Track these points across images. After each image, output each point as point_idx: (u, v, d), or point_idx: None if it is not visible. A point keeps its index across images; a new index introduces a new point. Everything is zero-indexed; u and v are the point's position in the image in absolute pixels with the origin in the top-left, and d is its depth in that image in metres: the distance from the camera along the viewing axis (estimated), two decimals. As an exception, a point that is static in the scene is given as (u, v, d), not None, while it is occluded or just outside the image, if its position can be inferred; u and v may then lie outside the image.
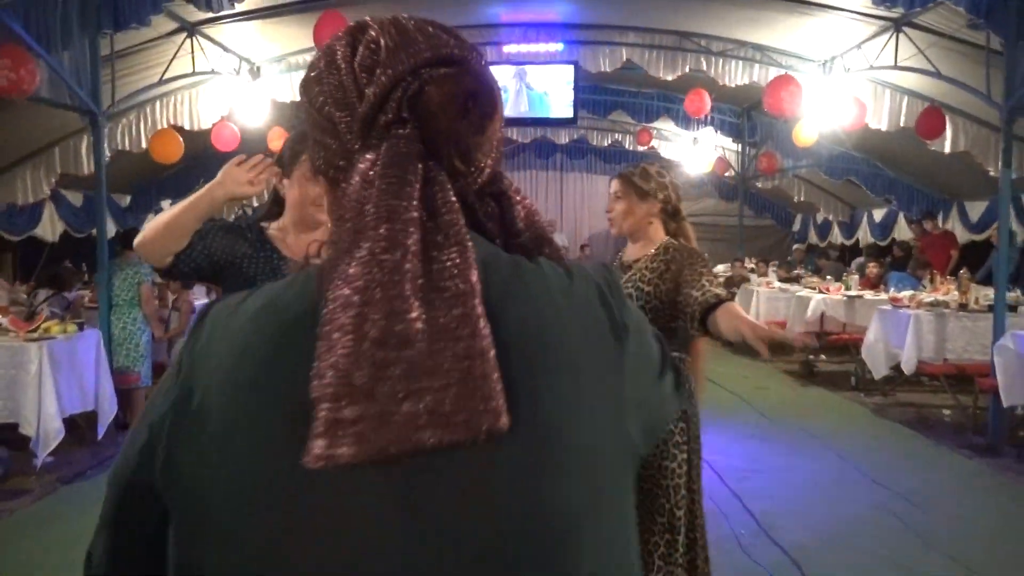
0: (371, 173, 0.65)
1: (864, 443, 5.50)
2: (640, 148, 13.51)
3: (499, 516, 0.64)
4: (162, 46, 6.80)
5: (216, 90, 7.85)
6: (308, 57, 8.42)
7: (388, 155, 0.66)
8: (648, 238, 2.56)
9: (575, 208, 17.20)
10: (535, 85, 8.56)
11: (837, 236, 13.63)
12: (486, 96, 0.71)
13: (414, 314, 0.60)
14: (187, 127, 8.19)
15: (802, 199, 13.42)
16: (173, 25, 6.59)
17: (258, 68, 8.32)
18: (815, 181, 12.73)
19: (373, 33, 0.70)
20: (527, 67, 8.53)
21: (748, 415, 6.33)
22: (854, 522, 4.02)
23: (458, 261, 0.64)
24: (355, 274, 0.61)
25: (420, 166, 0.66)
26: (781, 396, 7.13)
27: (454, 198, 0.67)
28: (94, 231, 10.55)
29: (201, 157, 10.17)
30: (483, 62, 0.74)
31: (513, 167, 16.31)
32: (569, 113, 8.68)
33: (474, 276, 0.64)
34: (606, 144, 14.95)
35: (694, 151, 13.16)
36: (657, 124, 12.15)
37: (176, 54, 6.66)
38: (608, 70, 8.34)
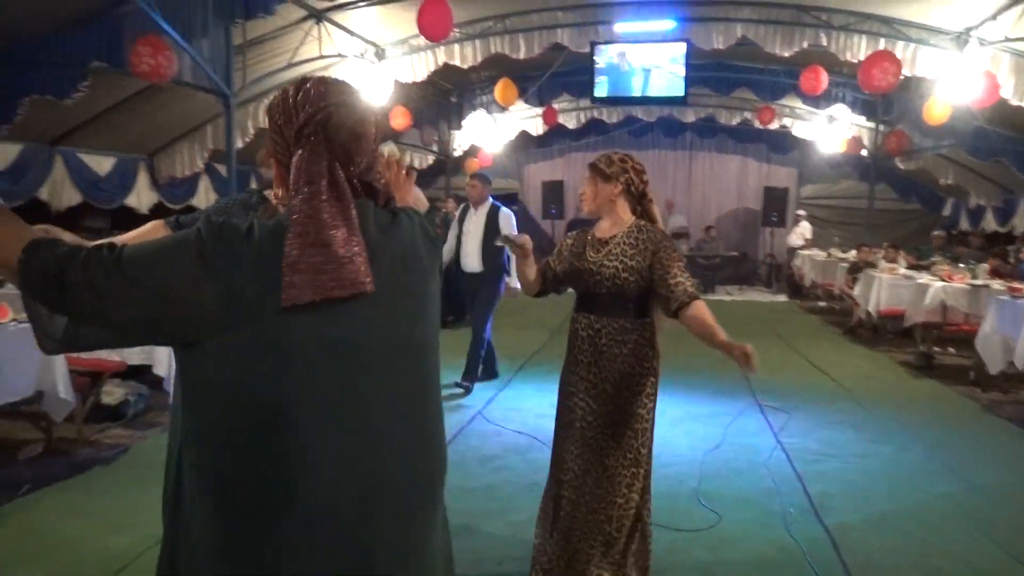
0: (300, 162, 1.31)
1: (959, 437, 5.25)
2: (770, 127, 13.09)
3: (376, 330, 1.33)
4: (292, 33, 7.42)
5: (344, 72, 8.46)
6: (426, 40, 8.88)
7: (308, 152, 1.31)
8: (616, 216, 2.91)
9: (703, 187, 16.87)
10: (646, 63, 8.56)
11: (991, 223, 12.60)
12: (360, 123, 1.37)
13: (331, 231, 1.26)
14: (319, 107, 8.88)
15: (950, 182, 12.50)
16: (302, 13, 7.18)
17: (383, 51, 8.85)
18: (963, 162, 11.83)
19: (308, 86, 1.36)
20: (638, 46, 8.54)
21: (844, 403, 6.16)
22: (913, 508, 3.93)
23: (343, 204, 1.30)
24: (297, 208, 1.27)
25: (326, 159, 1.32)
26: (886, 387, 6.85)
27: (343, 175, 1.32)
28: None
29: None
30: (361, 102, 1.39)
31: (641, 146, 16.25)
32: (680, 92, 8.62)
33: (352, 213, 1.30)
34: (735, 123, 14.58)
35: (828, 130, 12.57)
36: (785, 102, 11.72)
37: (304, 40, 7.24)
38: (722, 47, 8.20)
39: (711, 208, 16.78)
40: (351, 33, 8.17)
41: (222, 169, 10.89)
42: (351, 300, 1.27)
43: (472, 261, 6.34)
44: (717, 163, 16.70)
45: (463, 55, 8.81)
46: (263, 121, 8.78)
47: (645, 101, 10.13)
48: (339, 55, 8.02)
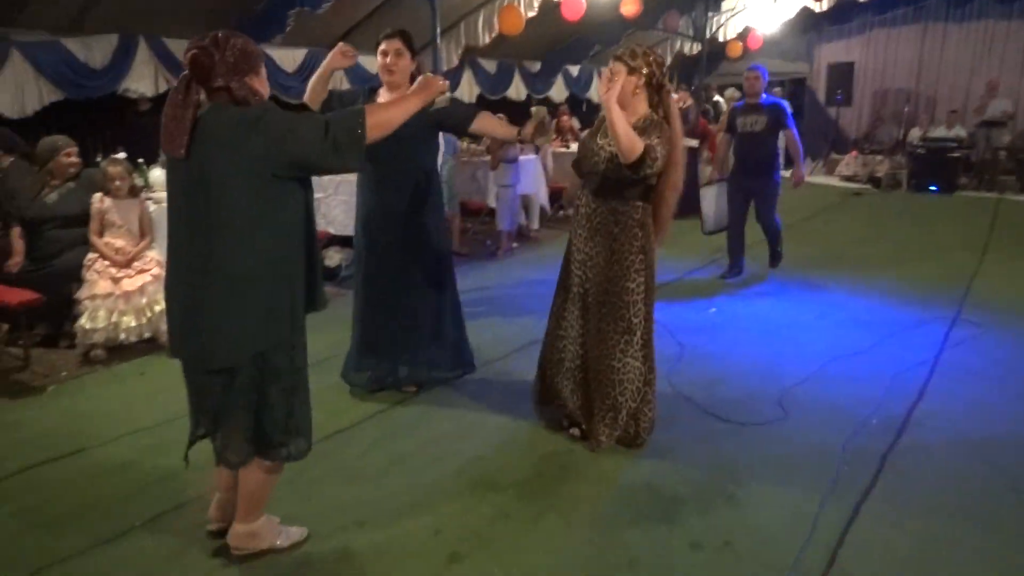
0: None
1: None
2: None
3: (194, 185, 2.16)
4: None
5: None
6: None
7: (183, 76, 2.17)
8: (633, 107, 3.06)
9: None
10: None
11: None
12: (206, 59, 2.12)
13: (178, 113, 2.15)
14: (554, -1, 9.19)
15: None
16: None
17: (616, -64, 8.75)
18: None
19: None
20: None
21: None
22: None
23: (185, 97, 2.15)
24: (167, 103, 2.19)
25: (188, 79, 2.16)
26: None
27: (198, 87, 2.16)
28: (507, 93, 12.54)
29: (598, 24, 11.17)
30: (220, 46, 2.15)
31: (962, 17, 13.87)
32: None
33: (191, 114, 2.14)
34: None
35: None
36: None
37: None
38: None
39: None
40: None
41: (485, 64, 11.83)
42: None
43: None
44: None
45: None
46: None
47: None
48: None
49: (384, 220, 3.71)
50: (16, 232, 4.61)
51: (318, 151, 2.16)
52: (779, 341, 4.86)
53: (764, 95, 6.19)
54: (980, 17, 14.00)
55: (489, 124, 3.67)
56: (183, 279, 2.25)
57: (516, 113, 13.38)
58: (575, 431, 3.40)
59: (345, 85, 9.61)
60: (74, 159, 4.72)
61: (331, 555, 2.57)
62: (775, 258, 6.59)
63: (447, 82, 2.69)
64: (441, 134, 4.31)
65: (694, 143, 9.24)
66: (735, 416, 3.70)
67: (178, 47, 7.78)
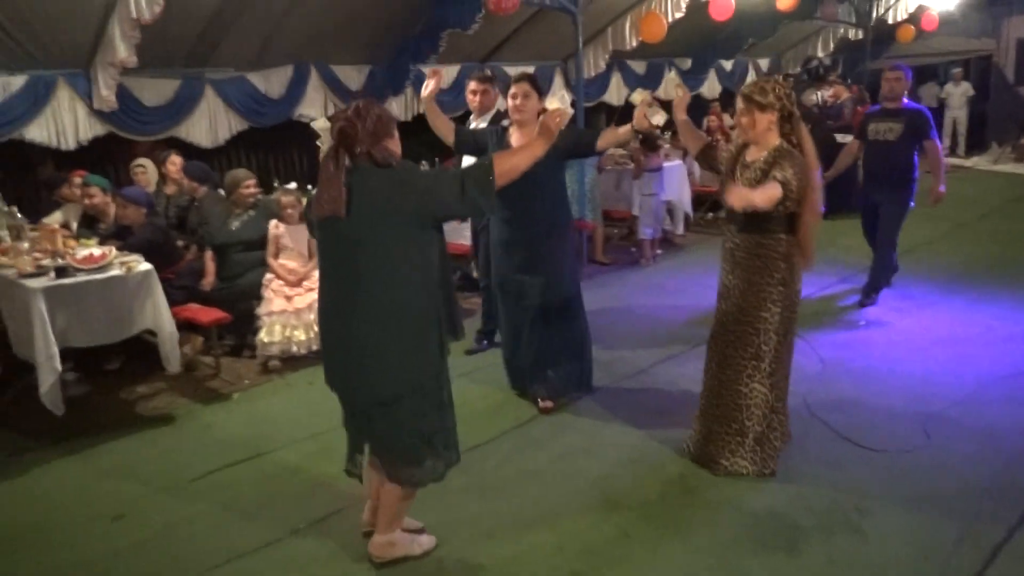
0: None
1: None
2: None
3: (351, 240, 2.49)
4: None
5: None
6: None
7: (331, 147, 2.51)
8: (766, 141, 3.13)
9: None
10: None
11: None
12: (351, 130, 2.45)
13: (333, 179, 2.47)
14: (704, -1, 9.07)
15: None
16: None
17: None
18: None
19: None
20: None
21: None
22: None
23: (336, 165, 2.48)
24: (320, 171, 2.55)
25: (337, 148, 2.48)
26: None
27: (347, 155, 2.49)
28: (657, 92, 12.44)
29: (747, 19, 10.90)
30: (361, 116, 2.47)
31: None
32: None
33: (343, 177, 2.46)
34: None
35: None
36: None
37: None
38: None
39: None
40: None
41: (634, 65, 11.83)
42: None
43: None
44: None
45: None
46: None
47: None
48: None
49: (514, 242, 4.04)
50: (208, 255, 5.30)
51: (457, 205, 2.50)
52: (933, 358, 4.62)
53: (905, 100, 5.50)
54: None
55: (610, 137, 3.90)
56: (335, 321, 2.59)
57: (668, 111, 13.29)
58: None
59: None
60: (252, 189, 5.34)
61: (461, 564, 2.84)
62: (872, 290, 5.70)
63: (567, 113, 2.88)
64: None
65: (848, 139, 8.79)
66: (872, 441, 3.61)
67: (344, 73, 8.48)
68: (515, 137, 4.01)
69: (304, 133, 9.11)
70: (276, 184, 7.52)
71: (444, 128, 4.08)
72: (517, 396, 4.30)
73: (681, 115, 3.56)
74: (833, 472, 3.35)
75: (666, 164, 7.51)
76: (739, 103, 3.15)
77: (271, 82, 7.94)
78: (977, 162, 13.29)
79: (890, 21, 12.57)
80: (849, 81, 11.32)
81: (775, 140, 3.12)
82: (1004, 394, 4.06)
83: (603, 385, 4.41)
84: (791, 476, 3.32)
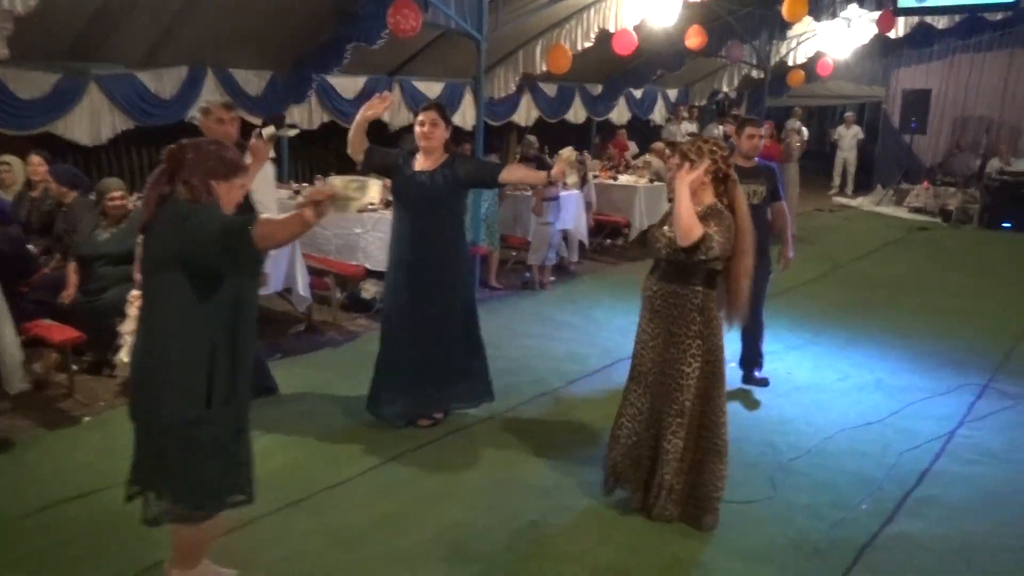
0: None
1: None
2: None
3: (146, 258, 2.52)
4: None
5: (626, -4, 8.65)
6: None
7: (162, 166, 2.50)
8: (698, 197, 3.21)
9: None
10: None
11: None
12: (179, 154, 2.43)
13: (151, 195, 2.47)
14: (611, 30, 9.26)
15: None
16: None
17: (674, -30, 8.73)
18: None
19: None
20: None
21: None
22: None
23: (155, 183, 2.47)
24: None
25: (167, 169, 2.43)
26: None
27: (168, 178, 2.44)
28: (567, 116, 12.62)
29: (656, 52, 11.20)
30: (199, 149, 2.46)
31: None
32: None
33: (156, 196, 2.43)
34: None
35: None
36: None
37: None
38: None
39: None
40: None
41: (545, 88, 11.95)
42: None
43: None
44: None
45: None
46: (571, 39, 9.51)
47: (967, 9, 8.33)
48: (615, -18, 8.20)
49: (414, 263, 4.10)
50: (72, 267, 5.02)
51: (217, 258, 2.38)
52: (792, 405, 4.83)
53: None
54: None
55: (518, 173, 4.05)
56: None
57: (577, 135, 13.51)
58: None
59: (404, 112, 9.92)
60: (119, 202, 5.08)
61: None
62: (755, 365, 5.14)
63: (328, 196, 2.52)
64: None
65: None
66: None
67: (244, 78, 8.23)
68: (419, 162, 4.10)
69: (198, 135, 8.81)
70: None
71: (359, 146, 4.10)
72: (380, 432, 4.23)
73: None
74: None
75: (563, 193, 7.60)
76: (676, 158, 3.28)
77: (163, 82, 7.62)
78: (862, 202, 14.05)
79: (789, 64, 13.17)
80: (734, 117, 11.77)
81: (708, 199, 3.22)
82: (848, 446, 4.26)
83: (469, 423, 4.41)
84: (638, 531, 3.37)
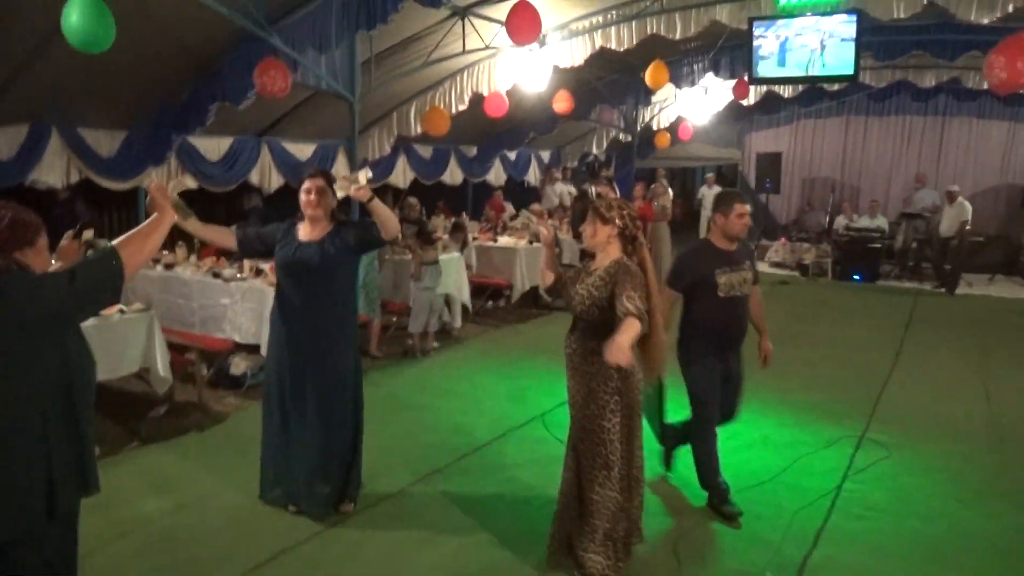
0: None
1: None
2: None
3: None
4: (433, 35, 7.84)
5: (500, 63, 8.75)
6: (590, 22, 8.80)
7: None
8: (607, 253, 3.32)
9: (956, 157, 14.49)
10: (811, 39, 7.69)
11: None
12: None
13: None
14: (485, 94, 9.34)
15: None
16: (445, 14, 7.56)
17: (544, 37, 8.95)
18: None
19: None
20: (802, 20, 7.68)
21: (983, 442, 5.31)
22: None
23: None
24: None
25: None
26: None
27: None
28: (443, 178, 12.57)
29: (529, 115, 11.40)
30: None
31: (884, 111, 14.60)
32: (849, 69, 7.63)
33: None
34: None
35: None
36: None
37: (443, 38, 7.63)
38: (903, 16, 7.12)
39: (967, 183, 14.42)
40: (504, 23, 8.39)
41: (420, 150, 11.88)
42: None
43: None
44: (977, 130, 14.28)
45: (619, 38, 8.60)
46: (442, 101, 9.50)
47: (812, 80, 9.07)
48: (489, 47, 8.29)
49: (304, 336, 3.83)
50: None
51: (64, 298, 2.07)
52: (686, 469, 4.76)
53: None
54: (899, 112, 14.70)
55: (379, 220, 3.74)
56: None
57: (453, 196, 13.48)
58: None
59: (274, 175, 9.51)
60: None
61: None
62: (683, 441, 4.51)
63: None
64: None
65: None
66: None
67: (94, 137, 7.61)
68: (305, 231, 3.86)
69: (43, 200, 8.04)
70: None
71: (219, 237, 3.89)
72: (256, 526, 3.84)
73: (548, 249, 3.65)
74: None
75: (443, 256, 7.45)
76: (589, 212, 3.38)
77: (-2, 141, 6.91)
78: (727, 258, 14.74)
79: (655, 128, 13.81)
80: (615, 183, 12.17)
81: (616, 253, 3.30)
82: (746, 508, 4.19)
83: (362, 507, 4.07)
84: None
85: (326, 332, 3.84)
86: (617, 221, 3.29)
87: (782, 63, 7.99)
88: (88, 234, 3.22)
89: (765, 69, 8.27)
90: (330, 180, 3.86)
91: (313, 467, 3.87)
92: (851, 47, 7.52)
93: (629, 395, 3.28)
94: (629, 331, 2.90)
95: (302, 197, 3.83)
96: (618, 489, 3.30)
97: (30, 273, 2.08)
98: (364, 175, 3.58)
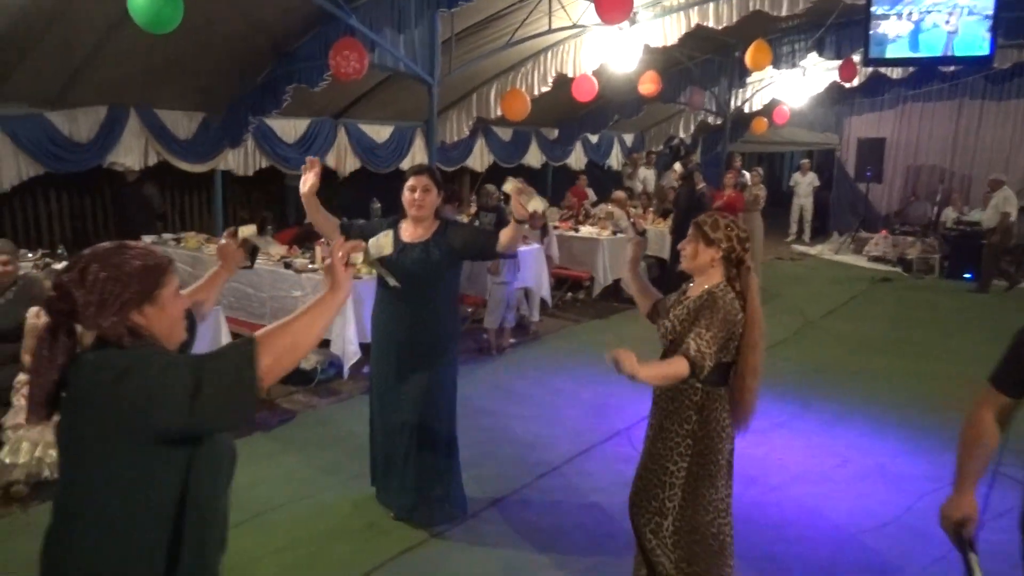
0: None
1: None
2: None
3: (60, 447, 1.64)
4: (519, 11, 7.38)
5: (588, 43, 8.22)
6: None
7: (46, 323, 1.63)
8: (707, 277, 2.85)
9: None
10: (940, 16, 6.88)
11: None
12: (64, 303, 1.58)
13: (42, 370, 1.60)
14: (570, 75, 8.83)
15: None
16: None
17: (635, 15, 8.36)
18: None
19: None
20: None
21: None
22: None
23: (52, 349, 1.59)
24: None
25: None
26: None
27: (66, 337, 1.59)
28: (524, 160, 12.14)
29: (615, 97, 10.84)
30: (85, 281, 1.58)
31: (1004, 94, 13.34)
32: (983, 50, 6.79)
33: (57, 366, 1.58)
34: None
35: None
36: None
37: (527, 16, 7.16)
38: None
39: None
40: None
41: (500, 132, 11.47)
42: None
43: None
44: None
45: (717, 15, 7.94)
46: (524, 84, 9.04)
47: (938, 62, 8.17)
48: (576, 26, 7.77)
49: (406, 343, 3.65)
50: (-55, 345, 4.19)
51: (181, 417, 1.51)
52: (789, 502, 4.26)
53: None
54: (1020, 95, 13.43)
55: (507, 238, 3.46)
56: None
57: (532, 180, 13.02)
58: None
59: (350, 157, 9.27)
60: (3, 268, 4.30)
61: None
62: None
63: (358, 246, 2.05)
64: None
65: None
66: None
67: (172, 119, 7.50)
68: (408, 232, 3.62)
69: (118, 181, 8.00)
70: (61, 251, 6.41)
71: (327, 226, 3.63)
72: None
73: (634, 268, 3.19)
74: None
75: (522, 248, 7.03)
76: (691, 229, 2.90)
77: (77, 123, 6.84)
78: (821, 250, 13.87)
79: (747, 111, 13.00)
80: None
81: (717, 278, 2.83)
82: (863, 558, 3.69)
83: (441, 530, 3.73)
84: None
85: (430, 338, 3.64)
86: (723, 244, 2.81)
87: (914, 46, 7.14)
88: (247, 230, 2.77)
89: (894, 51, 7.42)
90: (436, 177, 3.60)
91: (405, 475, 3.75)
92: (985, 25, 6.68)
93: (705, 442, 2.84)
94: (663, 368, 2.62)
95: (405, 195, 3.57)
96: (670, 543, 2.89)
97: (152, 353, 1.60)
98: (542, 204, 3.21)
